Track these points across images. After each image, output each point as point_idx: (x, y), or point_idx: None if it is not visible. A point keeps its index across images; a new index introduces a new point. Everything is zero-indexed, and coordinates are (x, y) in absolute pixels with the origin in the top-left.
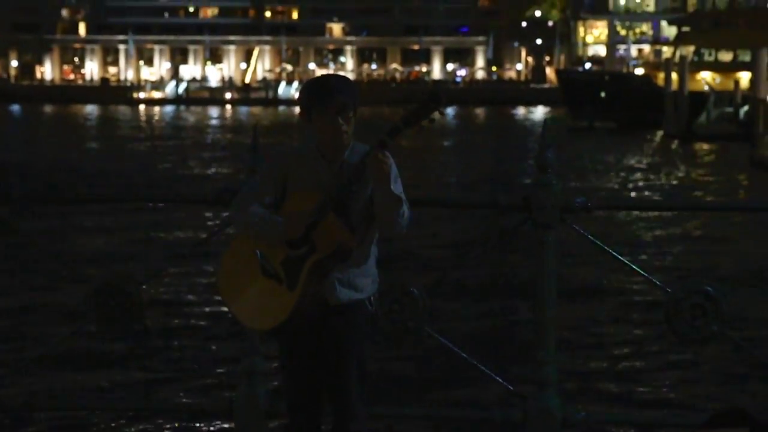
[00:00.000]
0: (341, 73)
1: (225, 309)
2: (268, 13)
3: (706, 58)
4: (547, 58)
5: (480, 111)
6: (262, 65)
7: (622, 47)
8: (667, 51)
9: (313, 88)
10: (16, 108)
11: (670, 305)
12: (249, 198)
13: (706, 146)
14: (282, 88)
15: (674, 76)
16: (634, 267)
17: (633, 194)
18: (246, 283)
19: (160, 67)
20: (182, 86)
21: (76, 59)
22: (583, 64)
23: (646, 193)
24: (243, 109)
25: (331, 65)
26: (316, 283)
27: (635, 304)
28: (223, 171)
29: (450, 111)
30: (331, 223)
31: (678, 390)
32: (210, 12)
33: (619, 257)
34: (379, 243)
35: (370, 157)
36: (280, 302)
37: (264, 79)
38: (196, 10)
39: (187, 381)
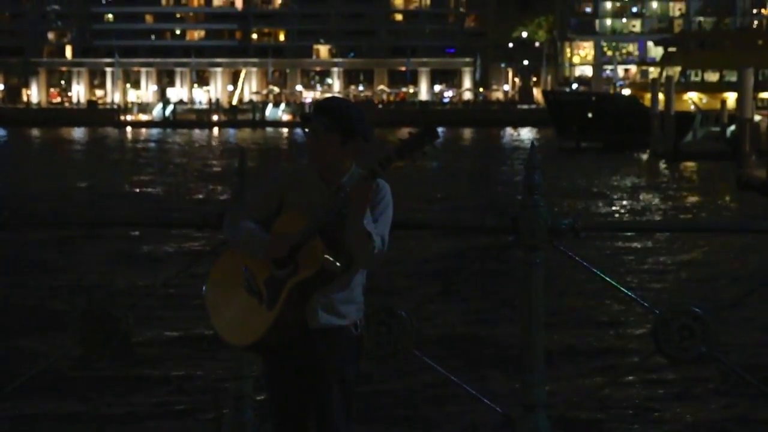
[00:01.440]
0: (328, 95)
1: (213, 331)
2: (254, 36)
3: (693, 78)
4: (534, 79)
5: (467, 132)
6: (249, 87)
7: (608, 68)
8: (653, 71)
9: (314, 106)
10: (1, 132)
11: (658, 326)
12: (241, 213)
13: (693, 166)
14: (269, 110)
15: (661, 96)
16: (621, 288)
17: (620, 216)
18: (229, 297)
19: (147, 89)
20: (169, 108)
21: (63, 82)
22: (569, 85)
23: (634, 214)
24: (230, 131)
25: (318, 87)
26: (296, 304)
27: (623, 326)
28: (210, 193)
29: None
30: (316, 245)
31: (667, 412)
32: (197, 34)
33: (607, 278)
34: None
35: (354, 184)
36: (257, 320)
37: (251, 101)
38: (183, 33)
39: (175, 405)
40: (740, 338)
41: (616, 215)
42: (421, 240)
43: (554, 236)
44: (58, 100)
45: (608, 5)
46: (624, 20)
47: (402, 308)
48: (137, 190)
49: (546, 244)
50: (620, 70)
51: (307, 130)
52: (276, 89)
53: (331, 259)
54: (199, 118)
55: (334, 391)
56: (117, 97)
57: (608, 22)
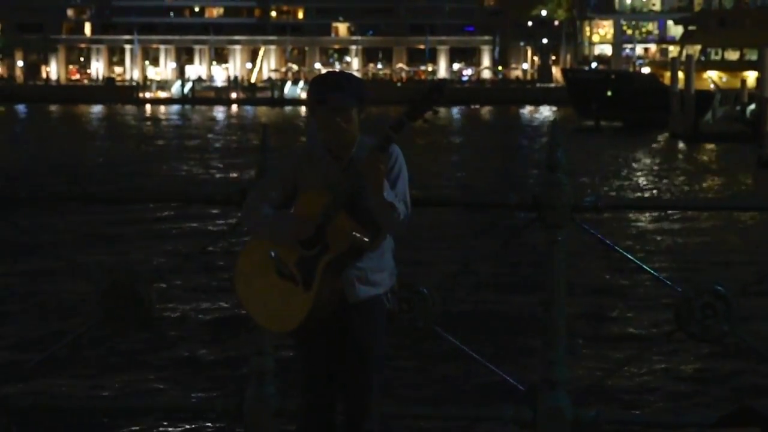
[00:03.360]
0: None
1: (234, 308)
2: (273, 13)
3: (713, 57)
4: (553, 58)
5: (486, 110)
6: (267, 65)
7: (628, 46)
8: (673, 50)
9: (315, 85)
10: (21, 108)
11: (681, 305)
12: (259, 199)
13: (712, 146)
14: (287, 88)
15: (681, 75)
16: (644, 266)
17: (641, 194)
18: (262, 285)
19: (166, 66)
20: (188, 86)
21: (82, 59)
22: (589, 64)
23: (654, 193)
24: (248, 109)
25: (337, 65)
26: (331, 282)
27: (645, 304)
28: (231, 171)
29: (456, 110)
30: (343, 221)
31: (689, 389)
32: (215, 12)
33: (630, 256)
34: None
35: (366, 159)
36: (296, 303)
37: (269, 79)
38: (202, 10)
39: (197, 380)
40: (762, 317)
41: (636, 194)
42: (442, 216)
43: (576, 214)
44: (77, 77)
45: None
46: None
47: (423, 284)
48: (157, 167)
49: (568, 222)
50: (640, 49)
51: (316, 110)
52: (295, 67)
53: (358, 235)
54: (218, 95)
55: (373, 370)
56: (136, 74)
57: (628, 0)
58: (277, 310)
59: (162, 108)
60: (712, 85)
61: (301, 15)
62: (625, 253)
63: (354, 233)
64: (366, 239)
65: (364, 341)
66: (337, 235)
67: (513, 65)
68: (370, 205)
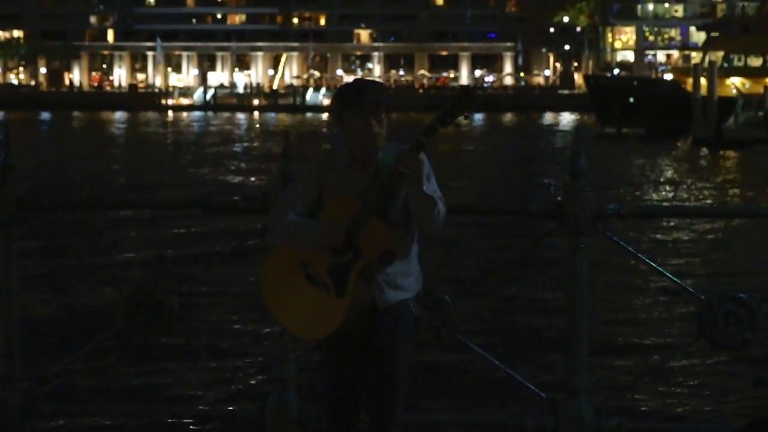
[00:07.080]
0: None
1: (256, 316)
2: (295, 20)
3: (736, 63)
4: (576, 64)
5: (508, 117)
6: (289, 72)
7: (650, 53)
8: (695, 56)
9: (345, 90)
10: (45, 115)
11: (704, 312)
12: (285, 208)
13: (735, 152)
14: (309, 95)
15: (703, 81)
16: (667, 274)
17: (664, 201)
18: (293, 293)
19: (188, 73)
20: (210, 92)
21: (105, 66)
22: (611, 70)
23: (676, 200)
24: (270, 116)
25: (359, 71)
26: (363, 288)
27: (668, 311)
28: (253, 178)
29: (478, 117)
30: (376, 226)
31: (712, 397)
32: (237, 18)
33: (653, 264)
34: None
35: (401, 158)
36: (330, 311)
37: (291, 86)
38: (224, 17)
39: (218, 388)
40: None
41: (658, 201)
42: (462, 224)
43: (599, 221)
44: (100, 83)
45: None
46: (666, 5)
47: (445, 293)
48: (181, 175)
49: (590, 230)
50: (662, 56)
51: (346, 115)
52: (317, 74)
53: (392, 237)
54: (240, 102)
55: (401, 374)
56: (158, 81)
57: (650, 6)
58: (310, 318)
59: (184, 114)
60: (734, 91)
61: (323, 22)
62: (647, 260)
63: (388, 238)
64: (397, 243)
65: (391, 346)
66: (371, 240)
67: (535, 72)
68: (409, 204)
